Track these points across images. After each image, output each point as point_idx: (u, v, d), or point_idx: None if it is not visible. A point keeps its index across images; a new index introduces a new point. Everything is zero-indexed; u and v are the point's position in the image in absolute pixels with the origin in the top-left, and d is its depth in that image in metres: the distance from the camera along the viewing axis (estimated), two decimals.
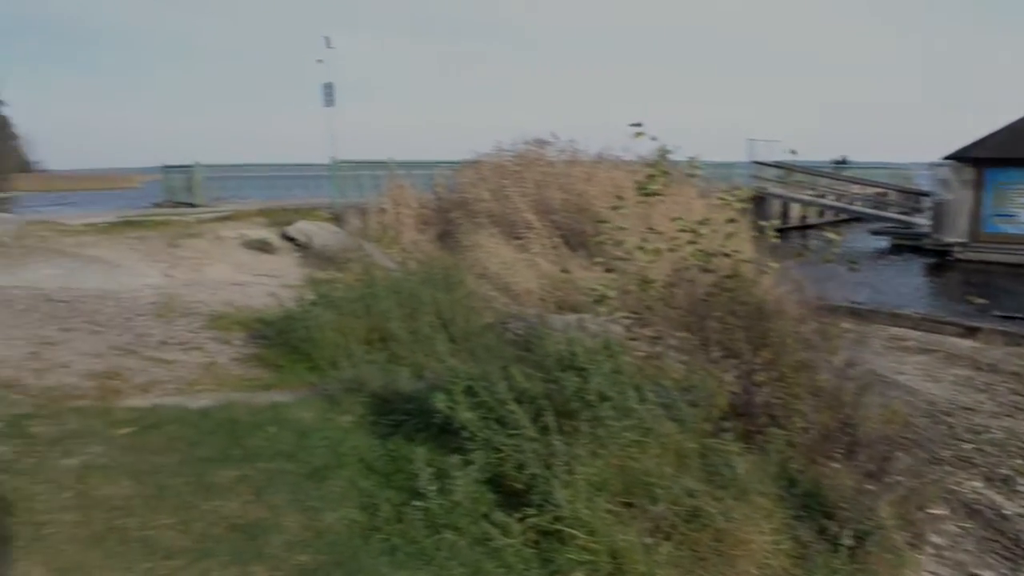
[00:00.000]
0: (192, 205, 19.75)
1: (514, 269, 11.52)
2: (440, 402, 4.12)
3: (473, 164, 15.94)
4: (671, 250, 5.85)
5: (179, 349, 6.96)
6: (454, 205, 14.83)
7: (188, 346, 7.07)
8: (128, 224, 13.69)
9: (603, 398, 4.12)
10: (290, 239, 14.72)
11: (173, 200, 23.54)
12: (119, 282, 9.32)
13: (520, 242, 12.37)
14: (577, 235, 12.65)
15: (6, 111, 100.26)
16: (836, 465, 4.67)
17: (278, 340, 6.95)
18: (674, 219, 5.98)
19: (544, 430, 3.98)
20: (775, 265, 5.87)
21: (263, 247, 14.13)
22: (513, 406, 4.06)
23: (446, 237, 13.91)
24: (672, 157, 6.64)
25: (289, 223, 15.11)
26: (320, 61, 22.86)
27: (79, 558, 3.21)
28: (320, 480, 3.98)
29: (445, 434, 4.25)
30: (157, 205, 25.42)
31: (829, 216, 28.41)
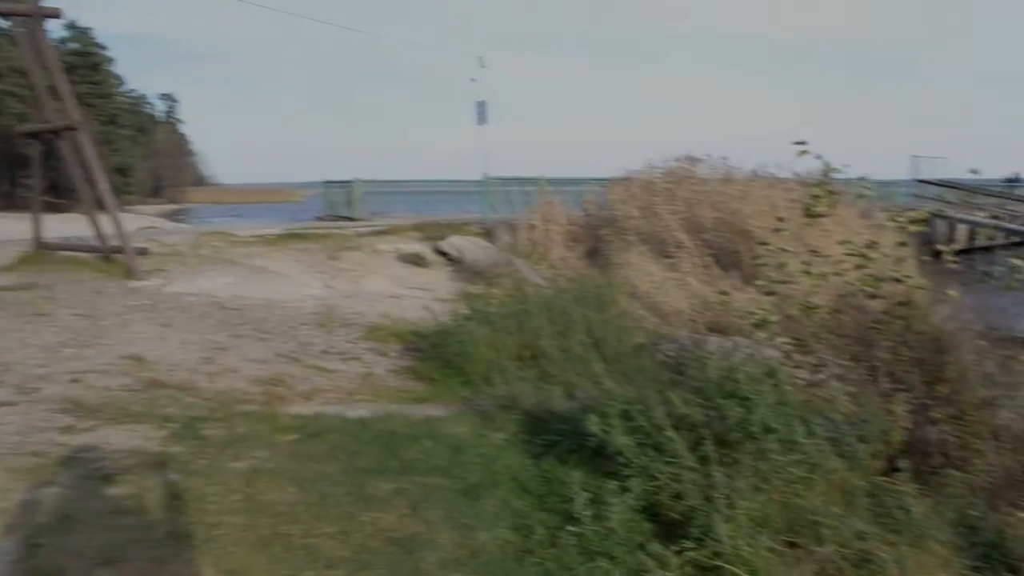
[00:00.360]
0: (351, 219, 20.57)
1: (663, 288, 11.31)
2: (595, 425, 4.05)
3: (623, 181, 15.83)
4: (836, 274, 5.56)
5: (339, 359, 7.22)
6: (603, 222, 14.76)
7: (347, 356, 7.32)
8: (292, 236, 14.43)
9: (767, 430, 3.93)
10: (442, 253, 15.09)
11: (333, 214, 24.56)
12: (284, 292, 9.80)
13: (670, 261, 12.14)
14: (729, 255, 12.30)
15: (184, 129, 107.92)
16: (1022, 515, 4.27)
17: (432, 353, 7.09)
18: (842, 242, 5.69)
19: (703, 460, 3.84)
20: (953, 293, 5.48)
21: (417, 260, 14.54)
22: (671, 433, 3.94)
23: (594, 254, 13.85)
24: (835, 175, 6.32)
25: (442, 238, 15.49)
26: (474, 80, 23.39)
27: (247, 561, 3.33)
28: (474, 497, 3.99)
29: (599, 458, 4.18)
30: (318, 218, 26.64)
31: (1001, 239, 26.45)
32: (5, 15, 9.03)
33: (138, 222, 20.18)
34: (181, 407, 5.36)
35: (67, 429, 4.80)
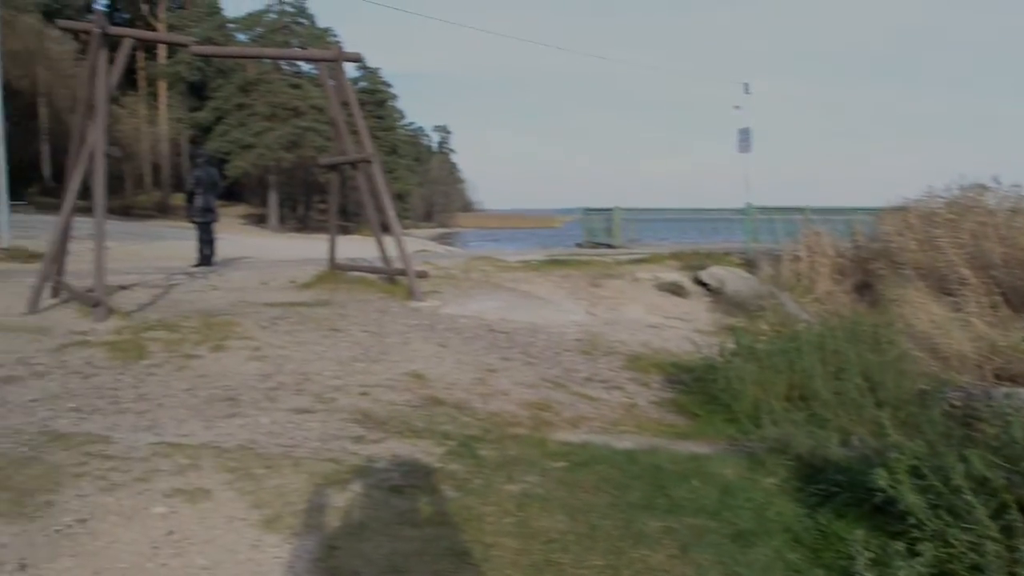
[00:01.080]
0: (610, 246, 20.83)
1: (944, 329, 10.36)
2: (882, 480, 3.80)
3: (898, 211, 14.73)
4: None
5: (602, 387, 7.35)
6: (874, 255, 13.81)
7: (610, 385, 7.43)
8: (555, 263, 14.88)
9: None
10: (702, 283, 14.85)
11: (592, 241, 24.93)
12: (548, 317, 10.13)
13: (951, 299, 11.11)
14: (1022, 295, 11.04)
15: (455, 158, 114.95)
16: None
17: (695, 387, 7.01)
18: None
19: (1008, 531, 3.47)
20: None
21: (675, 290, 14.42)
22: (970, 496, 3.61)
23: (864, 289, 13.00)
24: None
25: (701, 267, 15.25)
26: (737, 107, 22.88)
27: None
28: (745, 545, 3.89)
29: (883, 515, 3.92)
30: (578, 245, 27.18)
31: None
32: (313, 60, 10.19)
33: (413, 245, 21.77)
34: (457, 425, 5.72)
35: (358, 439, 5.28)
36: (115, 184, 60.56)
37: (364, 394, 6.38)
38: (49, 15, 40.20)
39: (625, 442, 5.60)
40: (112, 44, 8.75)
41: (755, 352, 6.97)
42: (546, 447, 5.29)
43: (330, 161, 12.22)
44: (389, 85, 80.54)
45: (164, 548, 3.51)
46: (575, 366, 7.98)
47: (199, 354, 7.27)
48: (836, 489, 4.41)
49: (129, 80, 65.88)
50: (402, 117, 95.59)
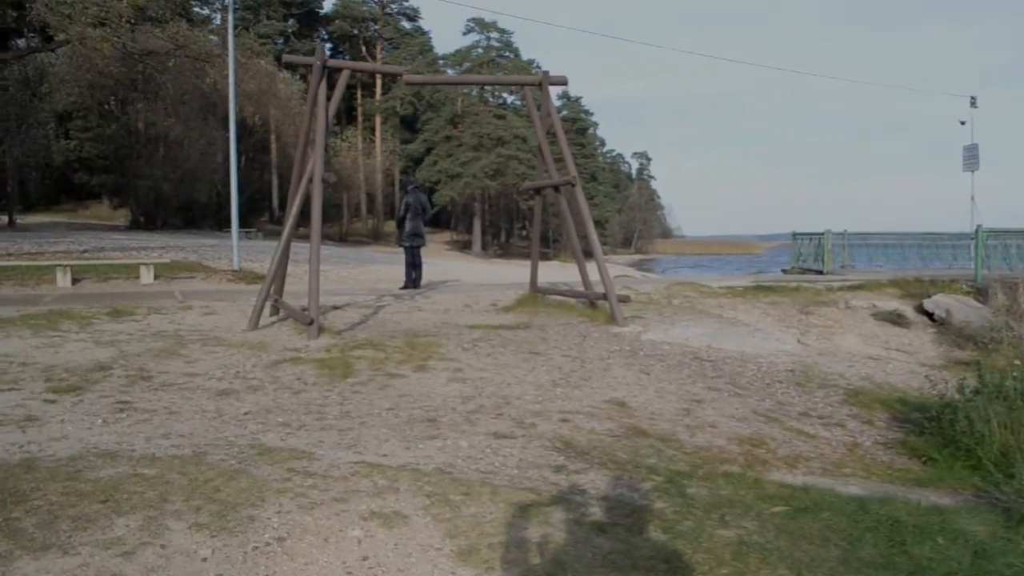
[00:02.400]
0: (819, 272, 19.67)
1: None
2: None
3: None
4: None
5: (819, 423, 6.73)
6: None
7: (828, 421, 6.79)
8: (761, 289, 14.12)
9: None
10: (925, 312, 13.57)
11: (801, 267, 23.73)
12: (755, 345, 9.52)
13: None
14: None
15: (654, 184, 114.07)
16: None
17: (930, 428, 6.24)
18: None
19: None
20: None
21: (895, 320, 13.25)
22: None
23: None
24: None
25: (923, 295, 13.96)
26: (963, 122, 20.94)
27: None
28: None
29: None
30: (784, 271, 25.95)
31: None
32: (519, 84, 10.28)
33: (612, 271, 21.56)
34: (663, 459, 5.37)
35: (559, 469, 5.05)
36: (333, 212, 65.00)
37: (565, 421, 6.18)
38: (279, 58, 43.92)
39: (852, 487, 5.02)
40: (331, 76, 9.23)
41: (1004, 390, 6.11)
42: (762, 488, 4.82)
43: (534, 185, 12.24)
44: (590, 113, 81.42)
45: (358, 574, 3.43)
46: (789, 399, 7.38)
47: (402, 373, 7.39)
48: None
49: (348, 116, 70.81)
50: (602, 144, 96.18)
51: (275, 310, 10.08)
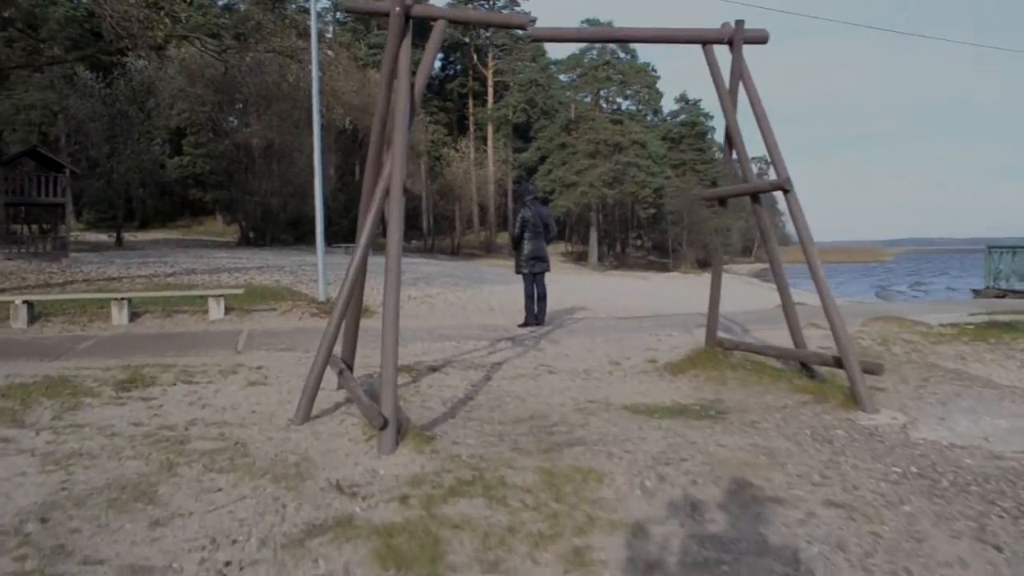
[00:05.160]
0: None
1: None
2: None
3: None
4: None
5: None
6: None
7: None
8: (1005, 328, 10.42)
9: None
10: None
11: (997, 287, 19.81)
12: None
13: None
14: None
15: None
16: None
17: None
18: None
19: None
20: None
21: None
22: None
23: None
24: None
25: None
26: None
27: None
28: None
29: None
30: (976, 292, 21.85)
31: None
32: (695, 42, 6.94)
33: (736, 284, 17.94)
34: None
35: None
36: (445, 225, 63.23)
37: None
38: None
39: None
40: (422, 31, 6.08)
41: None
42: None
43: (721, 193, 8.33)
44: (710, 116, 76.63)
45: None
46: None
47: (545, 562, 3.59)
48: None
49: (460, 126, 68.96)
50: (720, 149, 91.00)
51: (341, 382, 6.72)
